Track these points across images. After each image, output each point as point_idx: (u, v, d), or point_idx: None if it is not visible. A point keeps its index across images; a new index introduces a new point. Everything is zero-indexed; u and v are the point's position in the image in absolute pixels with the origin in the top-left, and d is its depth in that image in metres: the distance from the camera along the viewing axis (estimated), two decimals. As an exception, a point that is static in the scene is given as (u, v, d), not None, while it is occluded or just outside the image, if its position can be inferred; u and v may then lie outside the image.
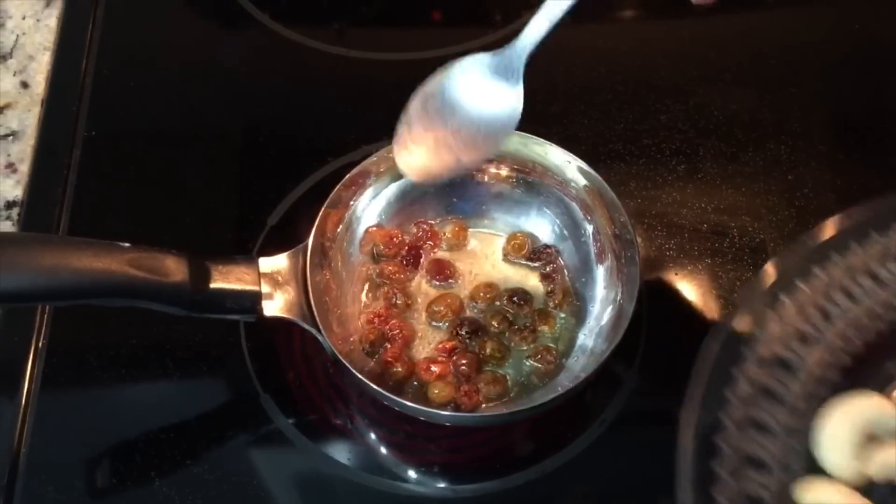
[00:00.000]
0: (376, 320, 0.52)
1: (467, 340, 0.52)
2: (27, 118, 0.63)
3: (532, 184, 0.55)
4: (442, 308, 0.53)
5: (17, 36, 0.67)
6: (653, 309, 0.54)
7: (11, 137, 0.62)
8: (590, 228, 0.54)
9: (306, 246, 0.50)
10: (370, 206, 0.55)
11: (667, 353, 0.53)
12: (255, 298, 0.48)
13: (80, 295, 0.44)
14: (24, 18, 0.68)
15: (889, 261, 0.43)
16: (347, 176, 0.53)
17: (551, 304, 0.53)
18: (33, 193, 0.60)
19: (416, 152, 0.49)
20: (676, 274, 0.57)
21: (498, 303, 0.53)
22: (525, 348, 0.52)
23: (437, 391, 0.50)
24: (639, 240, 0.53)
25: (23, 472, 0.51)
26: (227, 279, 0.47)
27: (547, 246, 0.55)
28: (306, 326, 0.49)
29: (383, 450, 0.53)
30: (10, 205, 0.60)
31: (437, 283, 0.54)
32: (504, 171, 0.56)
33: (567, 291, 0.53)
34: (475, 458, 0.53)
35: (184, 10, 0.70)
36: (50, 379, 0.53)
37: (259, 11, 0.69)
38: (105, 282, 0.44)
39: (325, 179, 0.59)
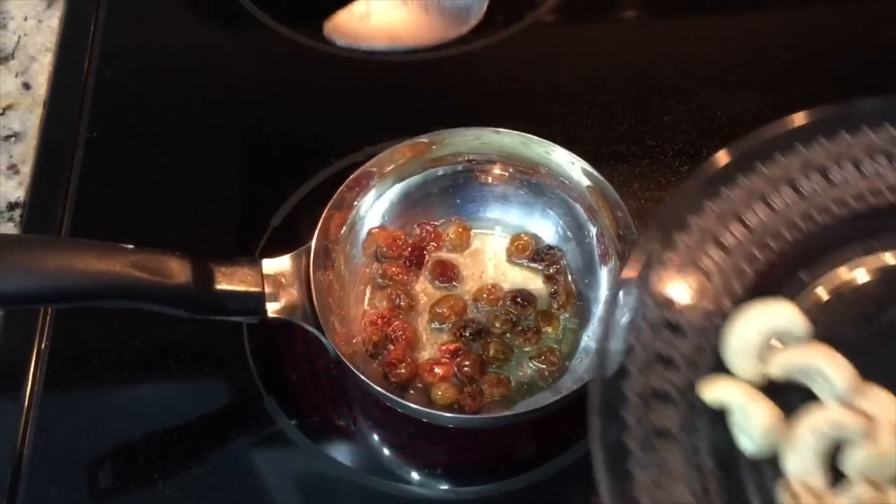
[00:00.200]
0: (379, 322, 0.52)
1: (470, 342, 0.52)
2: (29, 119, 0.63)
3: (535, 185, 0.55)
4: (445, 310, 0.53)
5: (19, 37, 0.67)
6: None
7: (13, 139, 0.62)
8: (593, 230, 0.54)
9: (309, 247, 0.50)
10: (373, 208, 0.55)
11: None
12: (259, 300, 0.48)
13: (83, 297, 0.44)
14: (25, 19, 0.68)
15: (810, 171, 0.44)
16: (351, 177, 0.53)
17: (555, 306, 0.53)
18: (35, 195, 0.60)
19: None
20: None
21: (501, 304, 0.53)
22: (528, 350, 0.52)
23: (440, 393, 0.50)
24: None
25: (25, 474, 0.50)
26: (231, 281, 0.47)
27: (550, 247, 0.55)
28: (309, 328, 0.49)
29: (386, 451, 0.53)
30: (12, 206, 0.59)
31: (441, 284, 0.54)
32: (507, 173, 0.56)
33: (570, 293, 0.53)
34: (478, 459, 0.52)
35: (185, 11, 0.70)
36: (52, 380, 0.53)
37: (261, 12, 0.68)
38: (108, 284, 0.44)
39: (327, 180, 0.59)
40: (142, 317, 0.47)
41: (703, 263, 0.42)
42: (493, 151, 0.55)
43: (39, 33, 0.67)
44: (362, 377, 0.47)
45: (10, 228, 0.59)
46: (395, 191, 0.55)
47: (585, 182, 0.54)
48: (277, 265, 0.49)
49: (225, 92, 0.65)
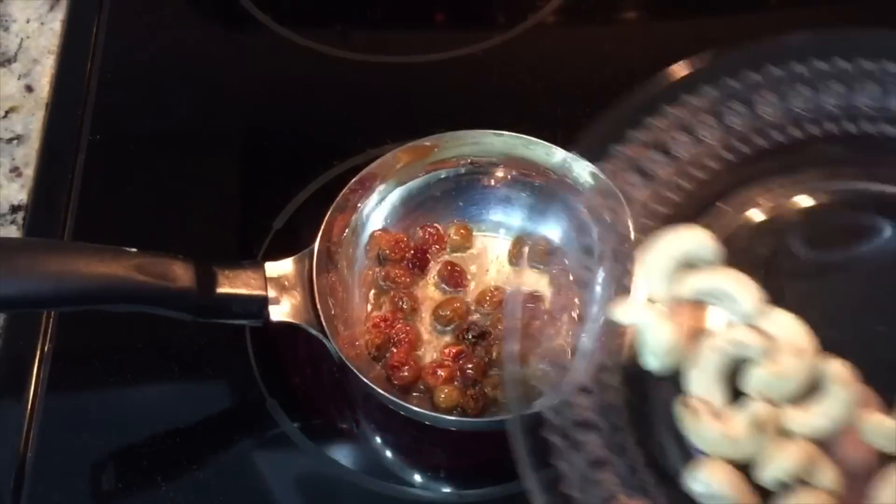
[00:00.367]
0: (382, 324, 0.52)
1: (473, 345, 0.52)
2: (32, 122, 0.63)
3: (538, 187, 0.55)
4: (448, 312, 0.53)
5: (22, 39, 0.67)
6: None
7: (16, 141, 0.62)
8: (595, 229, 0.53)
9: (312, 250, 0.50)
10: (376, 211, 0.55)
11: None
12: (262, 303, 0.48)
13: (86, 301, 0.44)
14: (28, 22, 0.68)
15: (734, 102, 0.46)
16: (353, 180, 0.53)
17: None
18: (38, 197, 0.60)
19: None
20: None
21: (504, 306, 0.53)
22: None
23: (443, 396, 0.50)
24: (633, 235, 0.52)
25: (29, 477, 0.50)
26: (234, 284, 0.47)
27: (553, 249, 0.55)
28: (313, 331, 0.49)
29: (389, 454, 0.53)
30: (14, 209, 0.60)
31: (448, 288, 0.54)
32: (510, 175, 0.56)
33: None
34: (481, 462, 0.52)
35: (188, 13, 0.70)
36: (55, 383, 0.53)
37: (262, 14, 0.68)
38: (112, 287, 0.44)
39: (330, 183, 0.59)
40: (144, 320, 0.47)
41: (625, 190, 0.45)
42: (495, 153, 0.55)
43: (42, 36, 0.67)
44: (365, 380, 0.47)
45: (12, 231, 0.59)
46: (397, 193, 0.55)
47: (588, 184, 0.53)
48: (280, 268, 0.49)
49: (227, 94, 0.65)
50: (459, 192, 0.56)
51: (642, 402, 0.42)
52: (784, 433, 0.39)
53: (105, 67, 0.65)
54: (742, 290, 0.42)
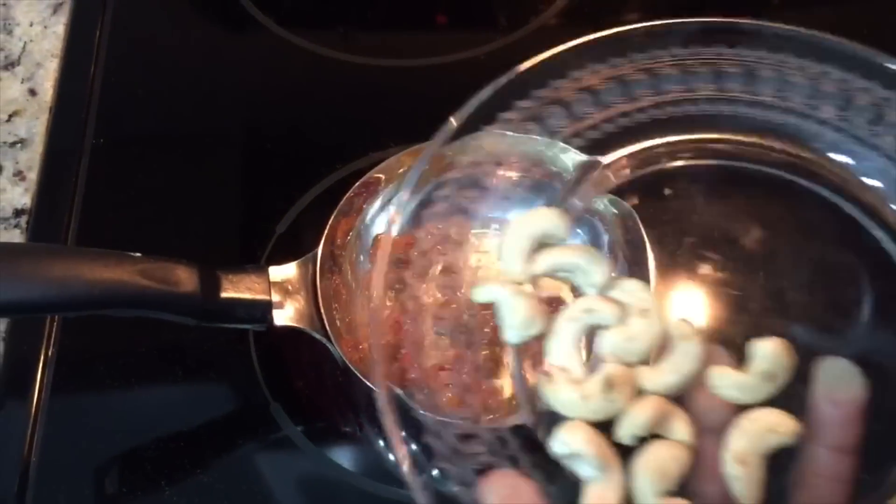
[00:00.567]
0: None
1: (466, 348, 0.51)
2: (35, 126, 0.63)
3: (543, 186, 0.55)
4: (446, 314, 0.53)
5: (25, 43, 0.67)
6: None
7: (20, 145, 0.62)
8: (605, 237, 0.54)
9: (316, 254, 0.50)
10: (380, 214, 0.55)
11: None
12: (266, 308, 0.48)
13: (90, 306, 0.44)
14: (31, 25, 0.68)
15: (583, 94, 0.49)
16: (357, 183, 0.53)
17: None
18: (41, 201, 0.60)
19: None
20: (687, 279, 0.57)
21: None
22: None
23: (444, 399, 0.50)
24: (650, 246, 0.52)
25: (33, 481, 0.51)
26: (238, 288, 0.47)
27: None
28: (316, 335, 0.49)
29: (392, 457, 0.53)
30: (18, 213, 0.60)
31: (448, 290, 0.54)
32: (516, 176, 0.56)
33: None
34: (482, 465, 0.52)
35: (191, 16, 0.70)
36: (59, 387, 0.53)
37: (265, 17, 0.69)
38: (116, 292, 0.44)
39: (333, 186, 0.59)
40: (148, 324, 0.47)
41: (481, 180, 0.48)
42: (500, 153, 0.55)
43: (45, 39, 0.67)
44: (368, 383, 0.47)
45: (16, 235, 0.59)
46: (401, 196, 0.55)
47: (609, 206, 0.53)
48: (284, 272, 0.49)
49: (231, 98, 0.65)
50: (465, 195, 0.56)
51: (473, 356, 0.46)
52: (640, 393, 0.42)
53: (108, 71, 0.65)
54: (593, 263, 0.44)
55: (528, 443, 0.43)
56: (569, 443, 0.40)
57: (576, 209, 0.54)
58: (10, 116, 0.64)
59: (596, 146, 0.49)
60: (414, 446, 0.40)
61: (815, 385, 0.41)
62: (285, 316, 0.48)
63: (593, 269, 0.44)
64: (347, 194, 0.53)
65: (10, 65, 0.66)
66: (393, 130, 0.61)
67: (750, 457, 0.40)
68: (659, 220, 0.52)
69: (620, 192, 0.51)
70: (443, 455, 0.41)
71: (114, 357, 0.54)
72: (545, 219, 0.46)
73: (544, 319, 0.43)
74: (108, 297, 0.44)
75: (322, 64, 0.66)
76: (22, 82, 0.65)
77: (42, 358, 0.54)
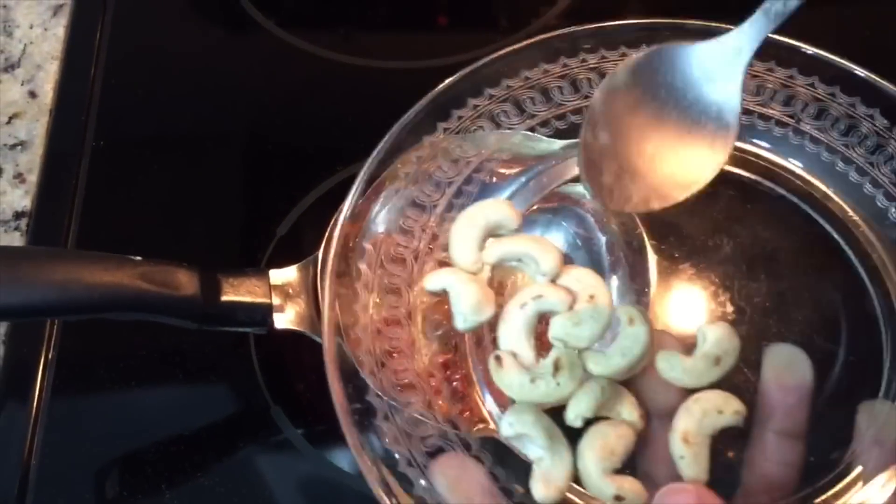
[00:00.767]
0: (382, 330, 0.52)
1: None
2: (35, 128, 0.63)
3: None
4: (437, 316, 0.52)
5: (25, 45, 0.67)
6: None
7: (20, 147, 0.62)
8: (603, 238, 0.53)
9: (317, 258, 0.50)
10: (379, 215, 0.55)
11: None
12: (267, 311, 0.47)
13: (91, 309, 0.44)
14: (31, 27, 0.68)
15: (533, 92, 0.51)
16: (370, 187, 0.53)
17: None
18: (42, 204, 0.60)
19: (614, 169, 0.45)
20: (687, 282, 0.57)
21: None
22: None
23: (436, 407, 0.50)
24: (650, 251, 0.52)
25: (33, 484, 0.50)
26: (238, 292, 0.47)
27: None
28: (317, 339, 0.48)
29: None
30: (18, 215, 0.59)
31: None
32: (514, 174, 0.56)
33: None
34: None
35: (192, 18, 0.70)
36: (60, 390, 0.53)
37: (265, 19, 0.68)
38: (116, 296, 0.43)
39: (334, 188, 0.59)
40: (148, 327, 0.47)
41: (435, 175, 0.49)
42: (503, 152, 0.55)
43: (45, 41, 0.67)
44: (372, 387, 0.47)
45: (16, 237, 0.59)
46: (400, 198, 0.55)
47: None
48: (285, 276, 0.49)
49: (231, 100, 0.65)
50: (463, 193, 0.56)
51: (462, 362, 0.47)
52: (588, 377, 0.43)
53: (108, 73, 0.65)
54: (543, 251, 0.46)
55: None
56: (515, 424, 0.42)
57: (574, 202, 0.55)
58: (10, 118, 0.64)
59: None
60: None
61: (764, 370, 0.42)
62: (286, 319, 0.48)
63: (543, 257, 0.46)
64: (348, 197, 0.53)
65: (10, 67, 0.66)
66: (393, 132, 0.61)
67: (695, 436, 0.41)
68: (658, 220, 0.52)
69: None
70: (394, 437, 0.43)
71: (114, 360, 0.54)
72: (495, 209, 0.47)
73: (493, 306, 0.45)
74: (108, 300, 0.44)
75: (323, 65, 0.66)
76: (22, 84, 0.65)
77: (42, 361, 0.54)
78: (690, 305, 0.56)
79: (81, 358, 0.54)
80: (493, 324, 0.46)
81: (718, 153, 0.45)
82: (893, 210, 0.49)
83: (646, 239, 0.51)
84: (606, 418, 0.42)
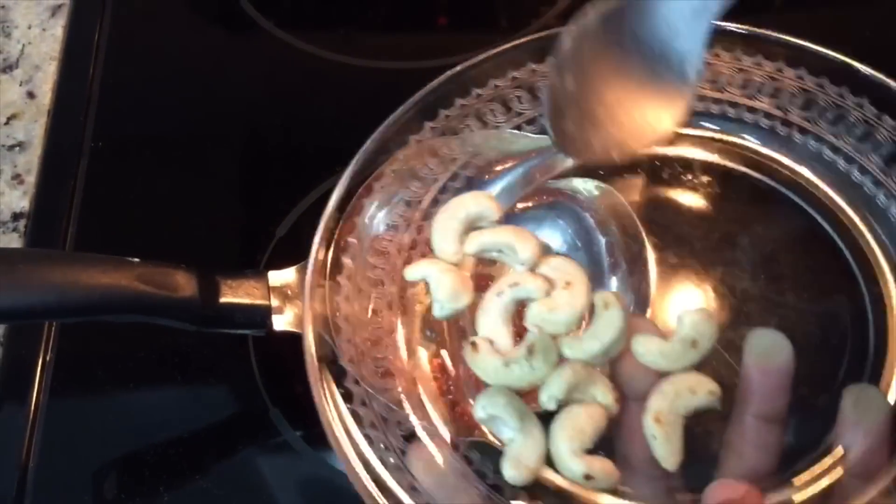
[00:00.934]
0: (379, 332, 0.52)
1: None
2: (34, 129, 0.63)
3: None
4: (432, 318, 0.52)
5: (23, 46, 0.67)
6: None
7: (18, 148, 0.62)
8: (602, 239, 0.53)
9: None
10: (377, 216, 0.55)
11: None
12: (265, 313, 0.47)
13: (88, 311, 0.44)
14: (29, 28, 0.68)
15: (521, 91, 0.53)
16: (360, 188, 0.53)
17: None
18: (40, 205, 0.60)
19: (576, 116, 0.45)
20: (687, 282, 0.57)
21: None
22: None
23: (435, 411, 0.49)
24: (650, 250, 0.52)
25: (31, 487, 0.50)
26: (237, 294, 0.47)
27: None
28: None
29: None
30: (16, 216, 0.59)
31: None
32: (509, 173, 0.56)
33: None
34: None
35: (191, 19, 0.70)
36: (57, 393, 0.53)
37: (265, 19, 0.68)
38: (114, 298, 0.43)
39: (333, 190, 0.58)
40: (147, 328, 0.47)
41: (421, 172, 0.51)
42: (501, 152, 0.55)
43: (44, 42, 0.67)
44: (370, 390, 0.47)
45: (14, 238, 0.59)
46: (387, 194, 0.55)
47: (593, 190, 0.53)
48: (283, 277, 0.49)
49: (230, 101, 0.65)
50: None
51: (439, 349, 0.48)
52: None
53: (107, 74, 0.65)
54: (522, 241, 0.46)
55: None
56: (487, 406, 0.42)
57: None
58: (9, 119, 0.63)
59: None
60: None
61: (746, 354, 0.42)
62: (285, 321, 0.48)
63: (522, 247, 0.46)
64: (340, 194, 0.53)
65: (8, 67, 0.66)
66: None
67: (668, 416, 0.41)
68: (656, 221, 0.53)
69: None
70: (370, 423, 0.43)
71: (113, 361, 0.54)
72: (475, 202, 0.48)
73: (470, 294, 0.46)
74: (106, 302, 0.43)
75: (322, 66, 0.66)
76: (20, 85, 0.65)
77: (40, 362, 0.54)
78: (691, 305, 0.56)
79: (79, 359, 0.54)
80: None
81: (676, 106, 0.47)
82: (882, 197, 0.49)
83: (646, 239, 0.51)
84: (578, 401, 0.43)
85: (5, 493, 0.50)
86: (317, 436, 0.52)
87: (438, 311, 0.46)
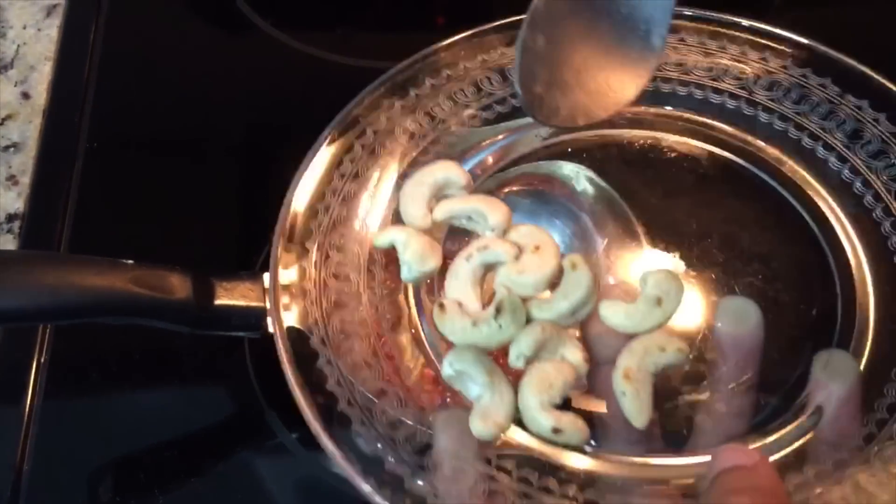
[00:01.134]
0: (372, 337, 0.51)
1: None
2: (28, 129, 0.63)
3: (541, 193, 0.55)
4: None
5: (18, 46, 0.67)
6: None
7: (13, 149, 0.62)
8: (601, 241, 0.53)
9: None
10: (375, 216, 0.55)
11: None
12: (261, 315, 0.47)
13: (82, 314, 0.43)
14: (24, 28, 0.67)
15: (491, 73, 0.54)
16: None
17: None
18: (34, 206, 0.59)
19: (546, 80, 0.47)
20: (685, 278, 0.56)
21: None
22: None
23: (430, 418, 0.49)
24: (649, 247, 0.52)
25: (25, 489, 0.50)
26: (232, 296, 0.46)
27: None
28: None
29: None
30: (10, 217, 0.59)
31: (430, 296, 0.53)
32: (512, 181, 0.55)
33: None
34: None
35: (186, 19, 0.70)
36: (52, 394, 0.53)
37: (261, 20, 0.68)
38: (108, 300, 0.43)
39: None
40: (142, 330, 0.47)
41: (389, 145, 0.52)
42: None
43: (39, 42, 0.67)
44: (367, 394, 0.47)
45: (8, 240, 0.58)
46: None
47: (591, 192, 0.53)
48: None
49: (226, 101, 0.65)
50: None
51: (402, 312, 0.49)
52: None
53: (102, 74, 0.65)
54: (491, 208, 0.47)
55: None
56: (455, 363, 0.43)
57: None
58: (3, 120, 0.63)
59: (501, 119, 0.54)
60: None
61: (716, 322, 0.44)
62: (280, 323, 0.48)
63: (492, 214, 0.47)
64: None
65: (2, 68, 0.66)
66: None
67: (637, 373, 0.42)
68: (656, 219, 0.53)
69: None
70: (336, 381, 0.44)
71: (107, 363, 0.54)
72: (443, 169, 0.49)
73: (439, 258, 0.47)
74: (100, 305, 0.43)
75: (319, 66, 0.66)
76: (15, 85, 0.65)
77: (34, 364, 0.54)
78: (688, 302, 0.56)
79: (74, 361, 0.54)
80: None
81: (642, 73, 0.49)
82: (847, 172, 0.51)
83: (645, 240, 0.51)
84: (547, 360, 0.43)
85: (0, 495, 0.50)
86: (313, 438, 0.52)
87: (406, 274, 0.47)
